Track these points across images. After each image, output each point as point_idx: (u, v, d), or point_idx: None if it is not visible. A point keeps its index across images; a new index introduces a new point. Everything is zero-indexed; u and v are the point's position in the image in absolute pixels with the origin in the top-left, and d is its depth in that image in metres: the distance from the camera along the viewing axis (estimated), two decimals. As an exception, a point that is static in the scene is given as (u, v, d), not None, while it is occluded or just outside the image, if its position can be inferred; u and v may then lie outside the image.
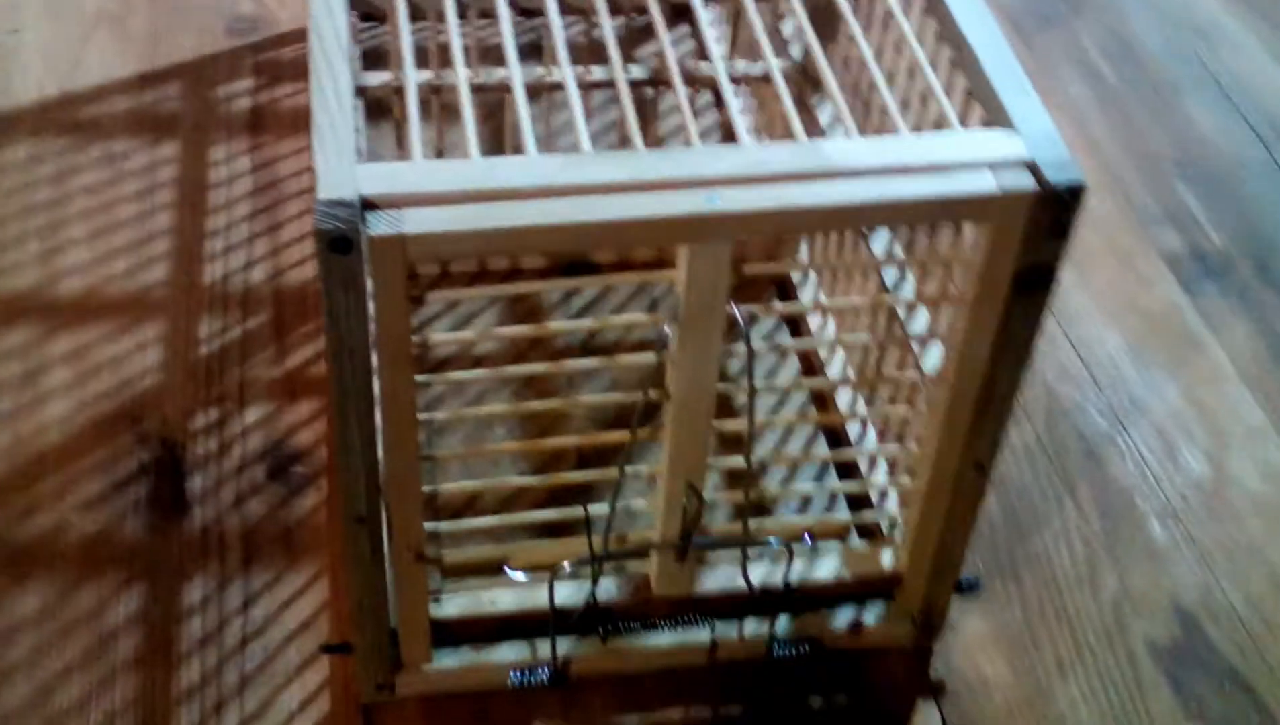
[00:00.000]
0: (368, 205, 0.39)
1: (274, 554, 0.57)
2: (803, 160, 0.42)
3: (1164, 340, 0.70)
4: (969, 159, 0.42)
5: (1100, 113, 0.83)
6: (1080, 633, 0.57)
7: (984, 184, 0.42)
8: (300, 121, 0.77)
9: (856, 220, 0.45)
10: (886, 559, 0.55)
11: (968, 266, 0.45)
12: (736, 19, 0.72)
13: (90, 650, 0.54)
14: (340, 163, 0.39)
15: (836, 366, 0.64)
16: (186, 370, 0.64)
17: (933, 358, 0.52)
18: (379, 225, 0.39)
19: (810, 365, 0.66)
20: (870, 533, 0.58)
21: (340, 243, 0.38)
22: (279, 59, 0.80)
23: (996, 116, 0.44)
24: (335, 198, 0.39)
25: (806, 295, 0.68)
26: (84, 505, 0.58)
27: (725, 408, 0.51)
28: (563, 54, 0.46)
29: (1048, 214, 0.42)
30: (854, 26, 0.49)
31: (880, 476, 0.59)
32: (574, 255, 0.70)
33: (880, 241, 0.57)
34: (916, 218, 0.46)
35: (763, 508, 0.59)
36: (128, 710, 0.52)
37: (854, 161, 0.42)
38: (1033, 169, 0.42)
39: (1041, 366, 0.68)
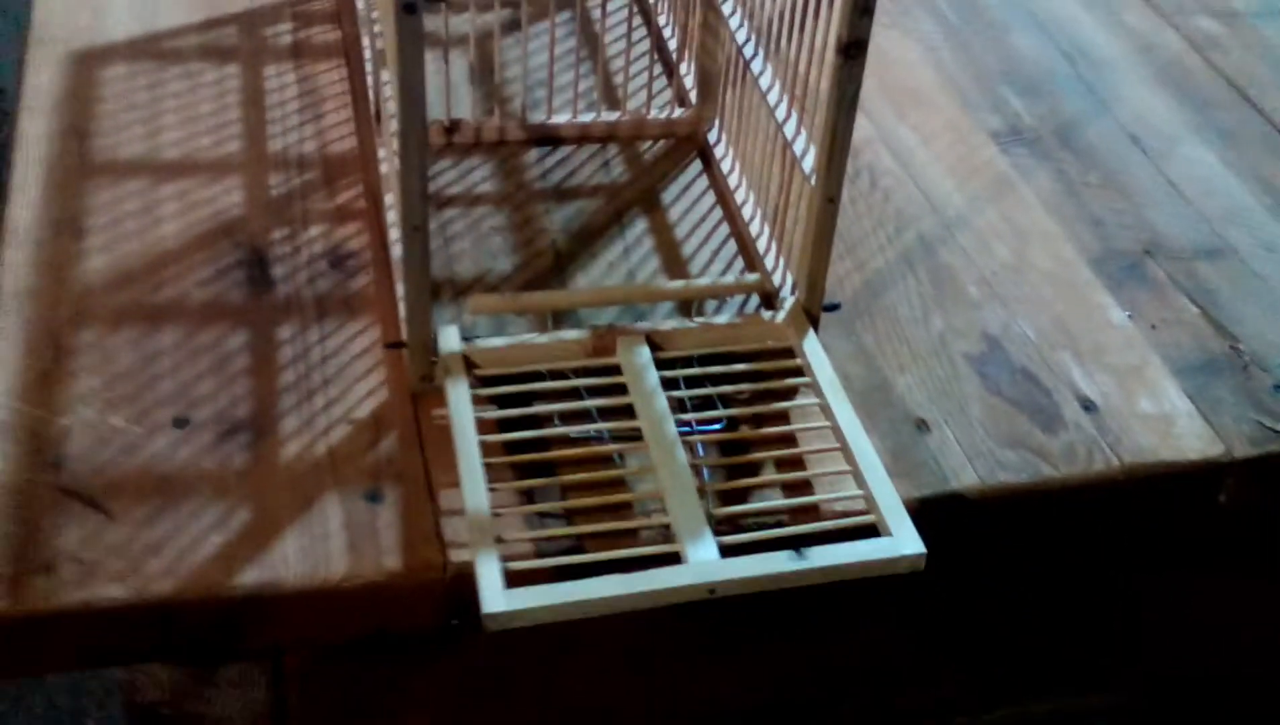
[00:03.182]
0: (427, -11, 0.62)
1: (339, 311, 0.80)
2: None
3: (986, 182, 0.94)
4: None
5: (944, 42, 1.08)
6: (915, 349, 0.81)
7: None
8: (331, 52, 1.00)
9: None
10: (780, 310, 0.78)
11: (816, 55, 0.69)
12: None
13: (214, 365, 0.76)
14: (409, -36, 0.63)
15: (742, 191, 0.88)
16: (262, 205, 0.86)
17: (802, 145, 0.76)
18: None
19: (723, 196, 0.90)
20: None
21: (410, 7, 0.62)
22: (310, 9, 1.04)
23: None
24: (407, -18, 0.62)
25: (720, 150, 0.92)
26: (198, 283, 0.81)
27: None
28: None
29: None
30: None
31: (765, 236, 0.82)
32: (545, 130, 0.93)
33: (765, 81, 0.82)
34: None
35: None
36: (246, 398, 0.74)
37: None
38: (845, -29, 0.67)
39: (894, 199, 0.92)
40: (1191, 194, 0.95)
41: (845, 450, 0.71)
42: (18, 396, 0.73)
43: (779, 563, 0.65)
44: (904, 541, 0.67)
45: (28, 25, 0.99)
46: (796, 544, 0.66)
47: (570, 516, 0.69)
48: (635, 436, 0.72)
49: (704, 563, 0.65)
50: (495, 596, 0.62)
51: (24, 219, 0.83)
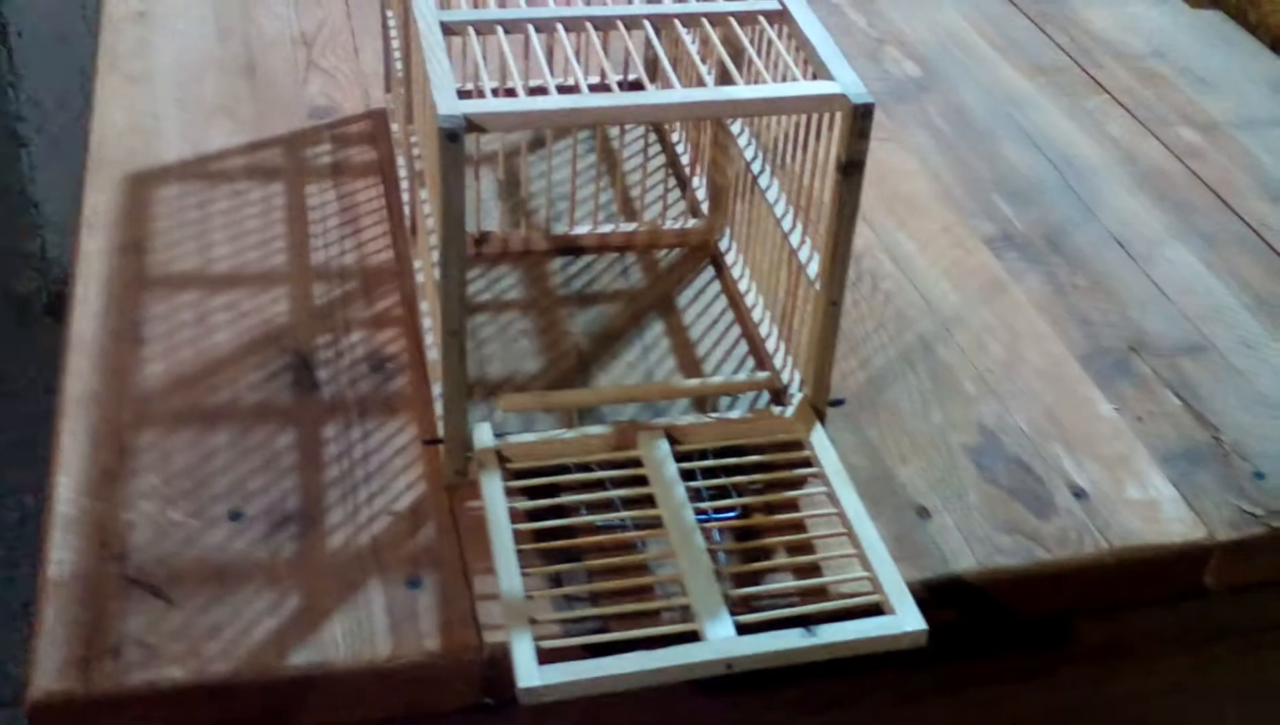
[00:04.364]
0: (469, 121, 0.69)
1: (379, 411, 0.86)
2: (709, 95, 0.73)
3: (980, 285, 1.01)
4: (805, 92, 0.74)
5: (939, 154, 1.15)
6: (915, 441, 0.87)
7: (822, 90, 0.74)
8: (368, 170, 1.07)
9: (737, 111, 0.76)
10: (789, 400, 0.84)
11: (818, 170, 0.76)
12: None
13: (264, 462, 0.82)
14: (449, 97, 0.70)
15: (752, 295, 0.95)
16: (307, 314, 0.93)
17: (807, 252, 0.83)
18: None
19: (734, 299, 0.96)
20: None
21: (453, 136, 0.69)
22: (347, 132, 1.12)
23: (822, 75, 0.75)
24: (449, 114, 0.69)
25: (731, 257, 0.99)
26: (249, 386, 0.87)
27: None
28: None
29: (855, 122, 0.73)
30: (746, 43, 0.80)
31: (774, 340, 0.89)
32: (567, 240, 1.00)
33: (771, 194, 0.88)
34: (773, 110, 0.77)
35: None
36: (295, 492, 0.80)
37: (741, 93, 0.73)
38: (843, 98, 0.73)
39: (895, 301, 0.98)
40: (1174, 294, 1.01)
41: (851, 535, 0.77)
42: (84, 493, 0.79)
43: (791, 639, 0.71)
44: (906, 619, 0.72)
45: (66, 145, 1.06)
46: (807, 622, 0.72)
47: (596, 599, 0.75)
48: (656, 524, 0.77)
49: (721, 640, 0.70)
50: (530, 672, 0.68)
51: (87, 329, 0.90)
